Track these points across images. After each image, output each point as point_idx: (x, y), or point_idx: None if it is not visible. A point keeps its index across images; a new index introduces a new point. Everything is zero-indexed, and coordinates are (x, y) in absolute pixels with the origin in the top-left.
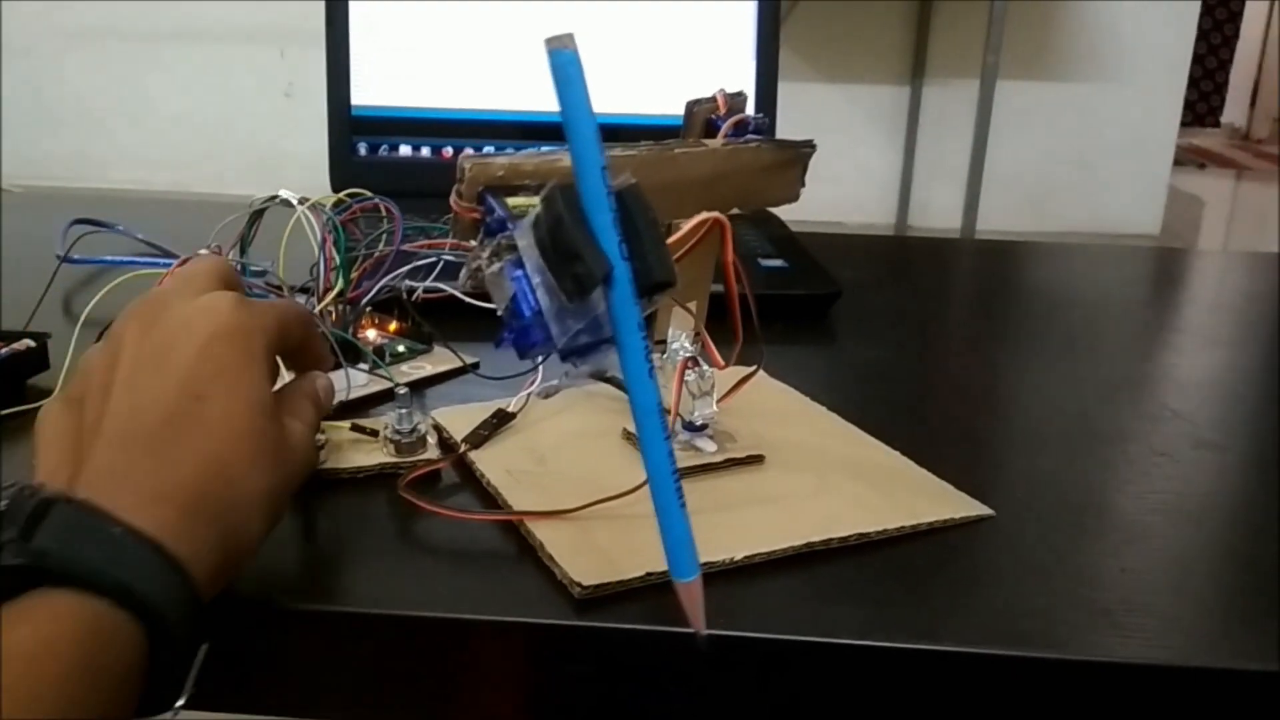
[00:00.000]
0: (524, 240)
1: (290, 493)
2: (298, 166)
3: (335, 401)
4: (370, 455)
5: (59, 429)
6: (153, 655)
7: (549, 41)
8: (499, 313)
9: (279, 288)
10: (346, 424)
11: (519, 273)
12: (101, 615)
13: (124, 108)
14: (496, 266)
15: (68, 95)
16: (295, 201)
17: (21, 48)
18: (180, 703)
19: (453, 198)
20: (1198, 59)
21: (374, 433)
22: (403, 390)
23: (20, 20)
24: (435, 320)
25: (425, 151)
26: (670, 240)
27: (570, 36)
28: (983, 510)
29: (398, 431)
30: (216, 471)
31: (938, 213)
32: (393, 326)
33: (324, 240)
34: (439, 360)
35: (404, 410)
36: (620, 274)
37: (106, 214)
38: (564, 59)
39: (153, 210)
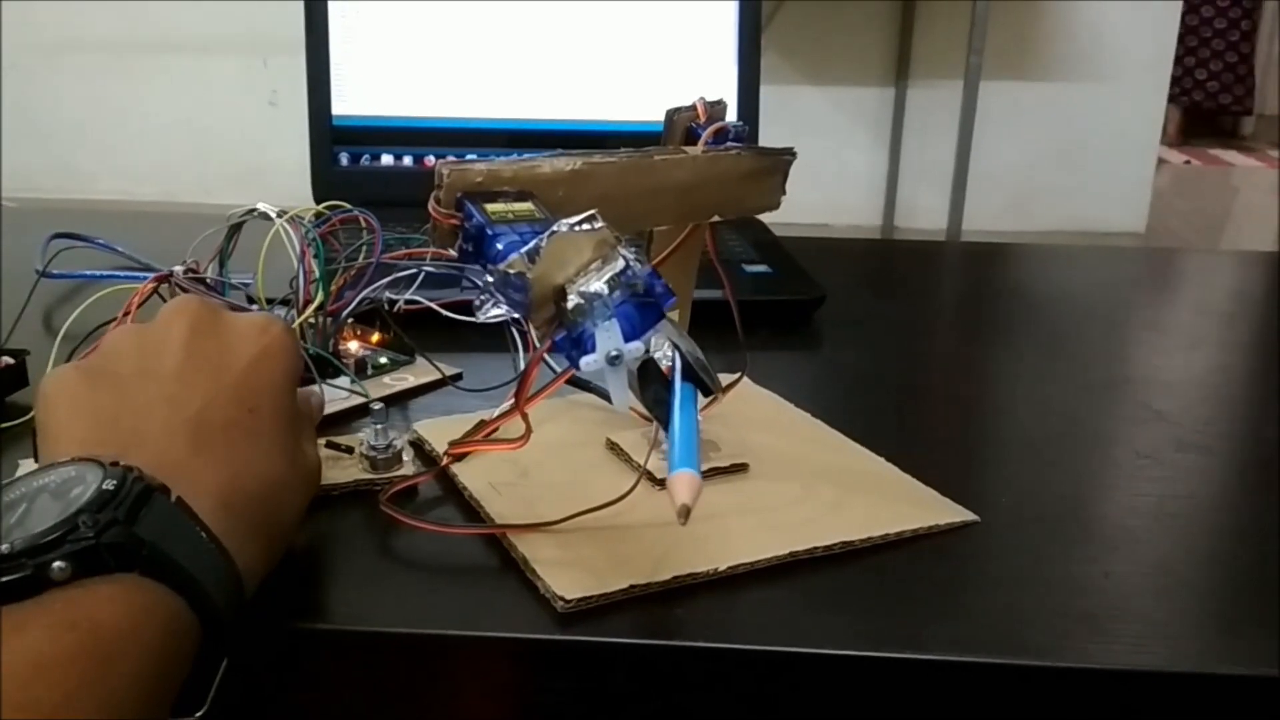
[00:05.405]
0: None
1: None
2: (284, 175)
3: None
4: (345, 472)
5: (86, 400)
6: (198, 659)
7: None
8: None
9: (254, 301)
10: (322, 440)
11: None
12: (180, 613)
13: (110, 120)
14: (615, 293)
15: (54, 109)
16: (273, 214)
17: (7, 63)
18: (201, 712)
19: (431, 204)
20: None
21: (349, 449)
22: (378, 406)
23: (5, 35)
24: (417, 332)
25: (408, 160)
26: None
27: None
28: (968, 516)
29: (373, 448)
30: (274, 491)
31: (924, 214)
32: (374, 338)
33: (303, 253)
34: (422, 372)
35: (379, 426)
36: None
37: (89, 227)
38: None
39: (135, 223)
